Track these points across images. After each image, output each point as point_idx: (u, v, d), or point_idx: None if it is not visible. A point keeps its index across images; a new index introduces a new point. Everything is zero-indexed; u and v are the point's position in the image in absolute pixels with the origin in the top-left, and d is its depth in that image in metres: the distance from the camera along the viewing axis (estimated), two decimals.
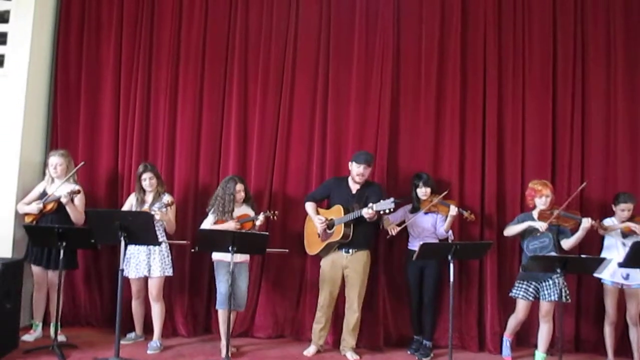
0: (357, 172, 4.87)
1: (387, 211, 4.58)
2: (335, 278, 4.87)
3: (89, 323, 5.49)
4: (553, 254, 4.65)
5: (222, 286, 4.79)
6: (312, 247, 5.01)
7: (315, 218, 4.93)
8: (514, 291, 4.82)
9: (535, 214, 4.84)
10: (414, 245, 4.86)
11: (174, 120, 5.58)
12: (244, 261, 4.82)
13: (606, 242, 4.88)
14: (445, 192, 4.98)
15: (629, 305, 4.75)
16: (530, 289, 4.74)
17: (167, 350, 4.90)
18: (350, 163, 4.97)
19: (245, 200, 4.97)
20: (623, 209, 4.77)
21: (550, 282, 4.63)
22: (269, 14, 5.61)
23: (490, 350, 5.15)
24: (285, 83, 5.54)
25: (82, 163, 5.14)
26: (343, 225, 4.74)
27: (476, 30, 5.47)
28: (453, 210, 4.85)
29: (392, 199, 4.56)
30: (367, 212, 4.61)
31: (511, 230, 4.89)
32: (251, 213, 4.89)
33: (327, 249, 4.89)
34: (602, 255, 4.76)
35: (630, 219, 4.76)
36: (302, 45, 5.58)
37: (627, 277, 4.67)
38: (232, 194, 4.84)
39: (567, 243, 4.73)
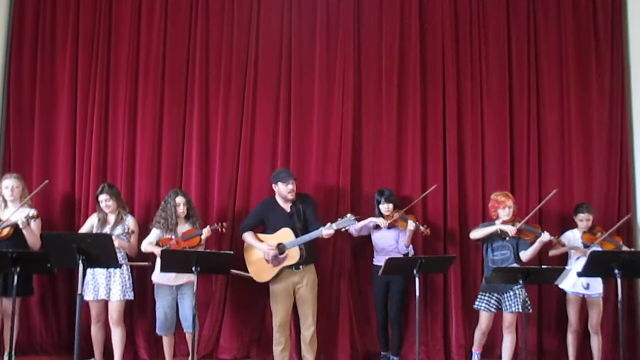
0: (288, 190, 4.80)
1: (347, 228, 4.54)
2: (288, 297, 4.82)
3: (45, 351, 5.25)
4: (515, 265, 4.73)
5: (160, 312, 4.73)
6: (263, 274, 4.85)
7: (262, 246, 4.80)
8: (477, 303, 4.88)
9: (498, 224, 4.90)
10: (379, 260, 4.87)
11: (134, 138, 5.45)
12: (189, 282, 4.64)
13: (572, 253, 4.98)
14: (407, 207, 5.02)
15: (591, 315, 4.87)
16: (493, 301, 4.80)
17: None
18: (274, 185, 4.90)
19: (189, 217, 4.87)
20: (582, 219, 4.93)
21: (512, 293, 4.70)
22: (230, 28, 5.56)
23: None
24: (247, 99, 5.49)
25: (46, 182, 4.83)
26: (298, 247, 4.68)
27: (434, 44, 5.55)
28: (411, 225, 4.88)
29: (351, 216, 4.55)
30: (327, 233, 4.57)
31: (478, 232, 4.87)
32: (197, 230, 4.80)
33: (280, 273, 4.81)
34: (568, 265, 4.85)
35: (590, 228, 4.91)
36: (263, 60, 5.54)
37: (587, 287, 4.78)
38: (173, 207, 4.77)
39: (525, 255, 4.81)
